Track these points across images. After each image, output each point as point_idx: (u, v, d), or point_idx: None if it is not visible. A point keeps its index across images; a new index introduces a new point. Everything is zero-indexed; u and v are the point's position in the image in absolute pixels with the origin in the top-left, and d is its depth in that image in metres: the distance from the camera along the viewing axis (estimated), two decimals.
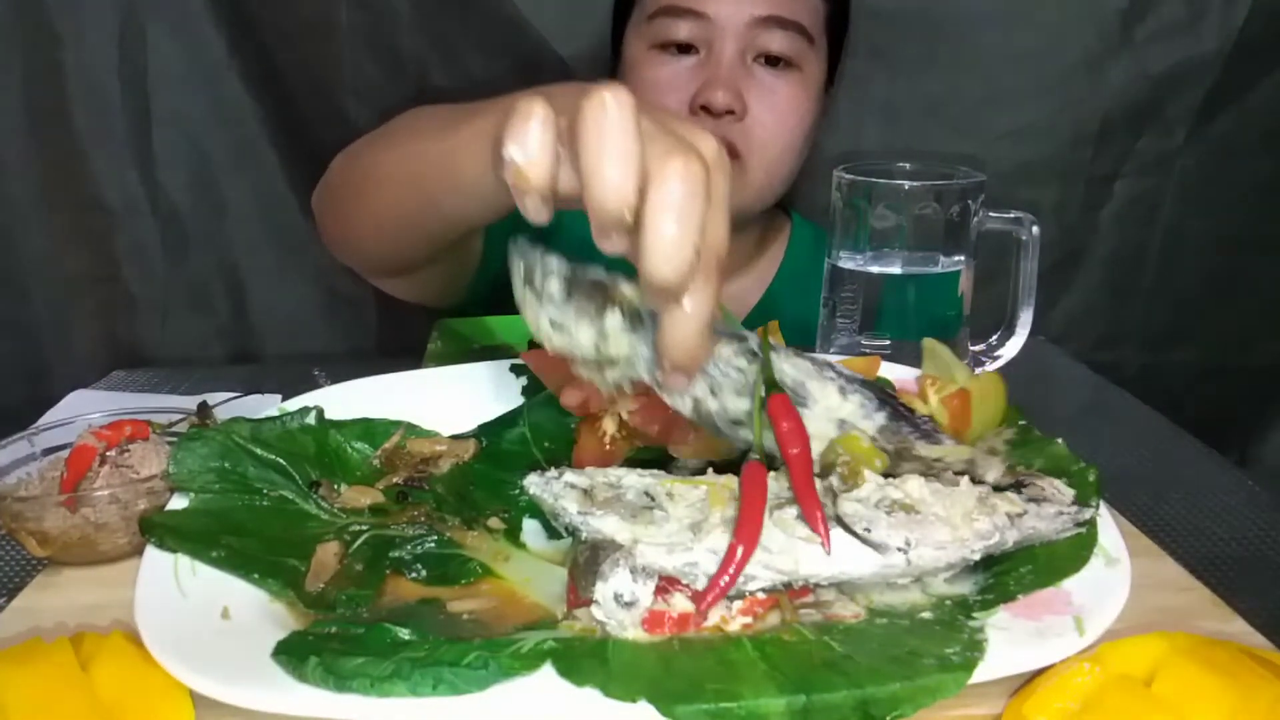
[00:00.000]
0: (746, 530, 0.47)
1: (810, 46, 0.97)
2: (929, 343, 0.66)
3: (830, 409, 0.52)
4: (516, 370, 0.71)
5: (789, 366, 0.53)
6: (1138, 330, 1.32)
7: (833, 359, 0.55)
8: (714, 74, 0.94)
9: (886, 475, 0.51)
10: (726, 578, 0.46)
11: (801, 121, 0.99)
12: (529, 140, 0.43)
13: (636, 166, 0.42)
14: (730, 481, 0.52)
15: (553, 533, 0.57)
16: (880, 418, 0.53)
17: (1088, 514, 0.52)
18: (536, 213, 0.45)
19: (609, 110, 0.41)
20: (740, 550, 0.46)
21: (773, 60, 0.96)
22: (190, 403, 0.73)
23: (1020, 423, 0.62)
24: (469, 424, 0.68)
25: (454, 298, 1.05)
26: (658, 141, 0.43)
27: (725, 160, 0.46)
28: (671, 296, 0.44)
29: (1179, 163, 1.23)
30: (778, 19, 0.94)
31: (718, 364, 0.52)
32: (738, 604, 0.48)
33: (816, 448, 0.52)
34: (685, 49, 0.96)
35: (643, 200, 0.42)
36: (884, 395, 0.54)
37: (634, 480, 0.53)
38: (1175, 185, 1.24)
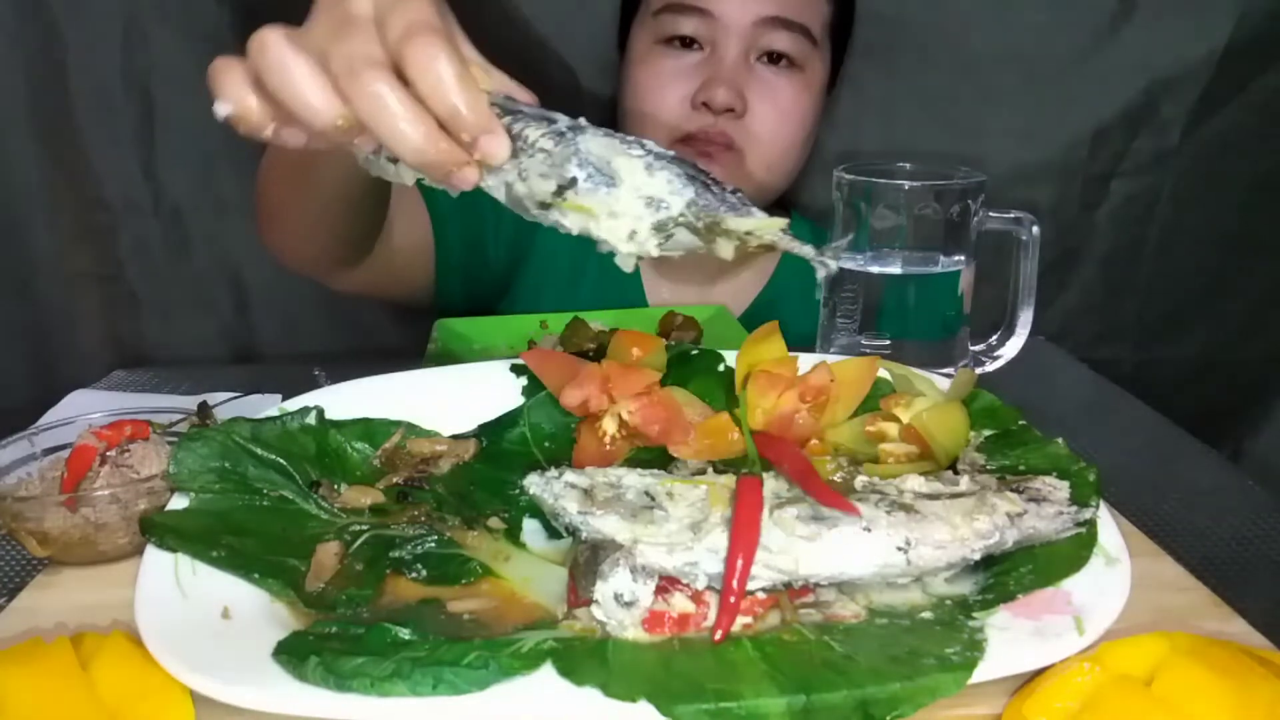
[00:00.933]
0: (742, 542, 0.47)
1: (814, 48, 0.98)
2: (888, 365, 0.67)
3: (638, 187, 0.51)
4: (516, 370, 0.71)
5: (595, 145, 0.52)
6: (1133, 327, 1.32)
7: (644, 140, 0.54)
8: (716, 71, 0.94)
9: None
10: (734, 595, 0.46)
11: (802, 121, 0.99)
12: (225, 92, 0.48)
13: (323, 87, 0.46)
14: (731, 481, 0.52)
15: (553, 532, 0.57)
16: (689, 193, 0.51)
17: (1088, 514, 0.52)
18: (287, 138, 0.49)
19: (269, 50, 0.46)
20: (740, 564, 0.47)
21: (775, 58, 0.96)
22: (190, 403, 0.73)
23: (1020, 423, 0.62)
24: (469, 424, 0.68)
25: (421, 292, 1.05)
26: (335, 57, 0.46)
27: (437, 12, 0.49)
28: (433, 163, 0.48)
29: (1174, 162, 1.23)
30: (783, 20, 0.95)
31: (526, 147, 0.52)
32: None
33: (625, 226, 0.52)
34: (689, 44, 0.97)
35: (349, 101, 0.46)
36: (694, 170, 0.53)
37: (634, 480, 0.54)
38: (1170, 184, 1.25)
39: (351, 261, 0.93)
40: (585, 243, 0.49)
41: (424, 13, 0.47)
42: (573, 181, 0.51)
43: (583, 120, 0.53)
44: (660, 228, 0.51)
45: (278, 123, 0.49)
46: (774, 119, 0.97)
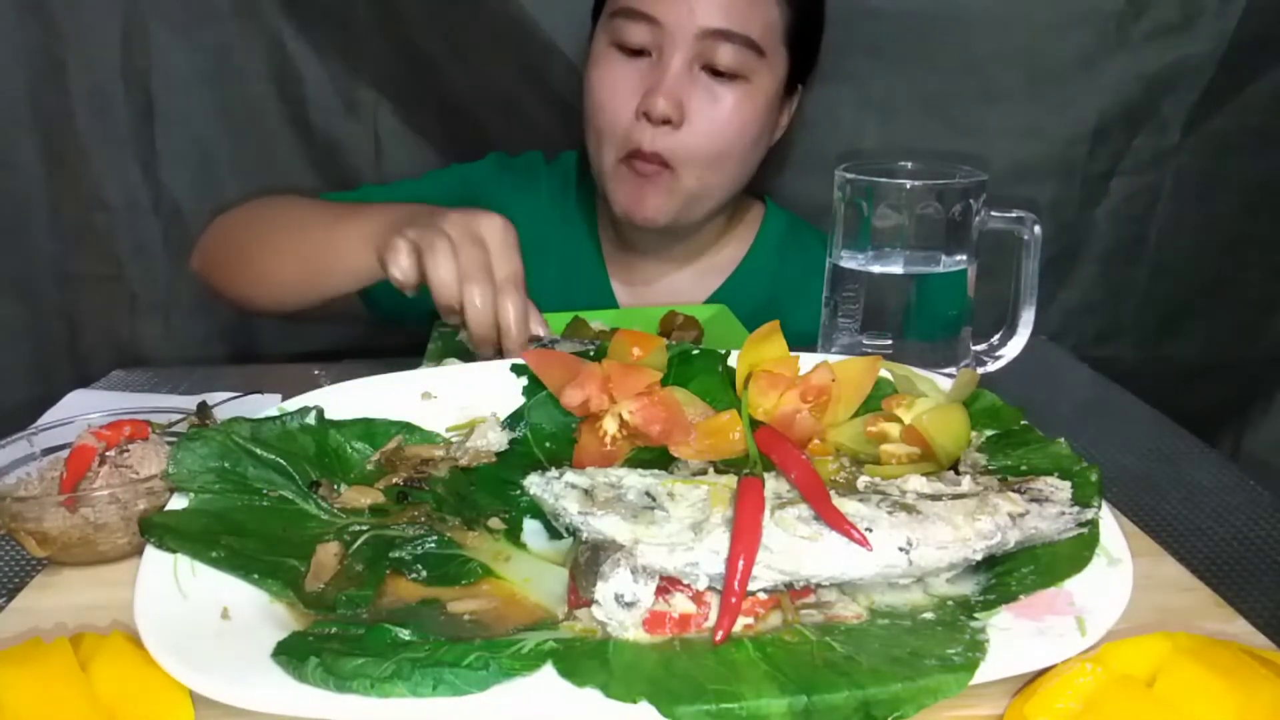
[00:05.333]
0: (743, 542, 0.47)
1: (761, 59, 0.97)
2: (890, 365, 0.66)
3: None
4: (516, 370, 0.70)
5: None
6: (1133, 326, 1.32)
7: None
8: (657, 81, 0.95)
9: None
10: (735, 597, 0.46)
11: (742, 132, 0.99)
12: (400, 266, 0.75)
13: (455, 280, 0.73)
14: (731, 482, 0.52)
15: (553, 533, 0.57)
16: None
17: (1090, 514, 0.52)
18: (411, 293, 0.76)
19: (439, 257, 0.73)
20: (741, 565, 0.46)
21: (719, 71, 0.96)
22: (190, 403, 0.73)
23: (1021, 423, 0.62)
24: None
25: (342, 315, 1.09)
26: (468, 271, 0.73)
27: (507, 233, 0.76)
28: (488, 342, 0.75)
29: (1174, 161, 1.23)
30: (726, 32, 0.95)
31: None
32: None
33: None
34: (639, 52, 0.97)
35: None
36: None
37: (635, 480, 0.53)
38: (1171, 183, 1.24)
39: (286, 314, 1.01)
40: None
41: (516, 265, 0.75)
42: None
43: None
44: None
45: (416, 289, 0.75)
46: (708, 130, 0.97)
